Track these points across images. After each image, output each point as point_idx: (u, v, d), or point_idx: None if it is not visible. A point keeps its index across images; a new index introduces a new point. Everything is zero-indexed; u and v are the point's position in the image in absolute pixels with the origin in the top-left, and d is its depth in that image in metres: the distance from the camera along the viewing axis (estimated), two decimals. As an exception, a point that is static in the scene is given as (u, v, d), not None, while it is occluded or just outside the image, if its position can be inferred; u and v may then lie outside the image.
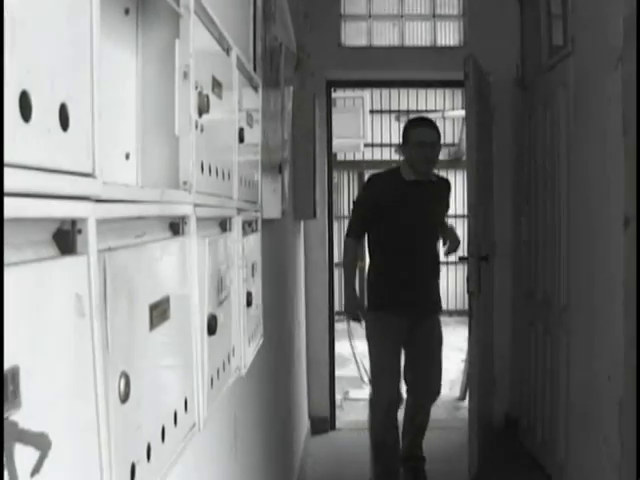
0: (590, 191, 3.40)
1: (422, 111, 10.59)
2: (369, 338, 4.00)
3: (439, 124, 12.31)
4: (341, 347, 5.89)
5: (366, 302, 4.04)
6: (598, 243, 3.26)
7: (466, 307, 4.44)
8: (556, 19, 4.06)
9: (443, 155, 11.00)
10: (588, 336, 3.44)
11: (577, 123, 3.61)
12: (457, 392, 6.28)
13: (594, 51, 3.33)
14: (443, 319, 4.20)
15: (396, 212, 3.83)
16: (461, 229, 4.53)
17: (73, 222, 0.64)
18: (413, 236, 3.86)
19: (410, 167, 3.86)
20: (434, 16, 5.25)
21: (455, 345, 7.86)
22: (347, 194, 11.39)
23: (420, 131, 3.81)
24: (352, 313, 3.97)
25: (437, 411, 5.80)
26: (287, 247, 3.75)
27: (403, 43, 5.29)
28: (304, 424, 4.89)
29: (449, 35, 5.25)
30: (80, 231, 0.64)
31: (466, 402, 4.86)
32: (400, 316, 3.87)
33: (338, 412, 5.54)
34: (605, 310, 3.15)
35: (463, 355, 6.73)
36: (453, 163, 10.53)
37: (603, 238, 3.18)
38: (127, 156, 1.00)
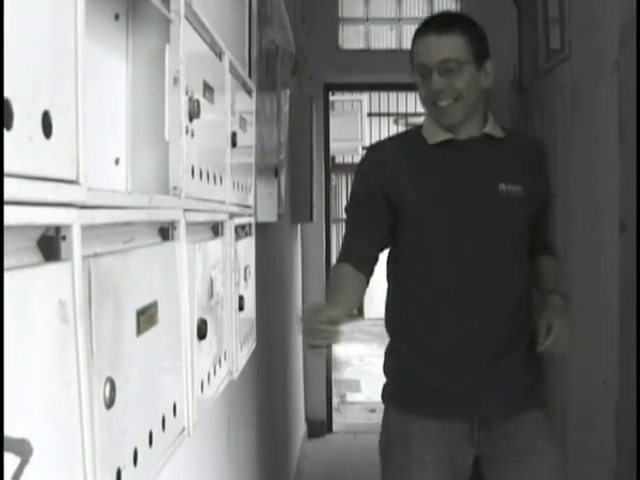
0: (586, 195, 3.41)
1: (420, 114, 10.61)
2: (382, 460, 2.06)
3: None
4: (338, 350, 5.89)
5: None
6: (594, 247, 3.27)
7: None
8: (553, 23, 4.07)
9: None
10: (584, 340, 3.44)
11: (573, 127, 3.61)
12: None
13: (591, 55, 3.34)
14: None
15: (414, 209, 1.97)
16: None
17: (57, 229, 0.64)
18: (456, 260, 1.94)
19: (433, 118, 2.04)
20: (432, 19, 5.25)
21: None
22: (345, 197, 11.40)
23: (421, 43, 1.94)
24: (307, 338, 1.67)
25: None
26: (284, 250, 3.76)
27: (401, 46, 5.30)
28: (301, 427, 4.89)
29: (447, 39, 5.26)
30: (64, 237, 0.64)
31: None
32: (445, 420, 1.97)
33: (335, 415, 5.55)
34: (601, 314, 3.16)
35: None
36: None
37: (599, 242, 3.19)
38: (117, 161, 1.00)
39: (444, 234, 1.96)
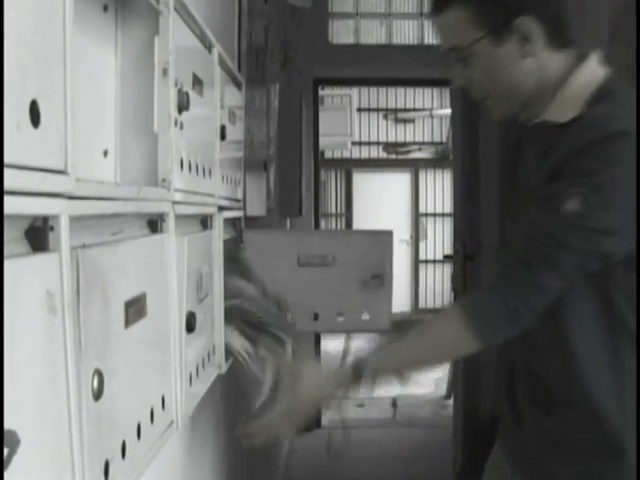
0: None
1: (410, 109, 10.60)
2: None
3: (427, 123, 12.01)
4: (327, 344, 5.90)
5: None
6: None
7: (452, 305, 4.44)
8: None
9: (429, 153, 10.99)
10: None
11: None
12: (443, 390, 6.30)
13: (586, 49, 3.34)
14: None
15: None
16: (448, 227, 4.50)
17: (45, 219, 0.63)
18: None
19: None
20: (421, 15, 5.26)
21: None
22: (334, 192, 11.38)
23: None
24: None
25: (423, 409, 5.84)
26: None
27: (390, 41, 5.31)
28: (289, 422, 4.89)
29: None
30: (52, 228, 0.64)
31: (452, 400, 4.88)
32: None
33: (323, 410, 5.54)
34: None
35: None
36: (441, 162, 10.54)
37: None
38: (105, 153, 1.00)
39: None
